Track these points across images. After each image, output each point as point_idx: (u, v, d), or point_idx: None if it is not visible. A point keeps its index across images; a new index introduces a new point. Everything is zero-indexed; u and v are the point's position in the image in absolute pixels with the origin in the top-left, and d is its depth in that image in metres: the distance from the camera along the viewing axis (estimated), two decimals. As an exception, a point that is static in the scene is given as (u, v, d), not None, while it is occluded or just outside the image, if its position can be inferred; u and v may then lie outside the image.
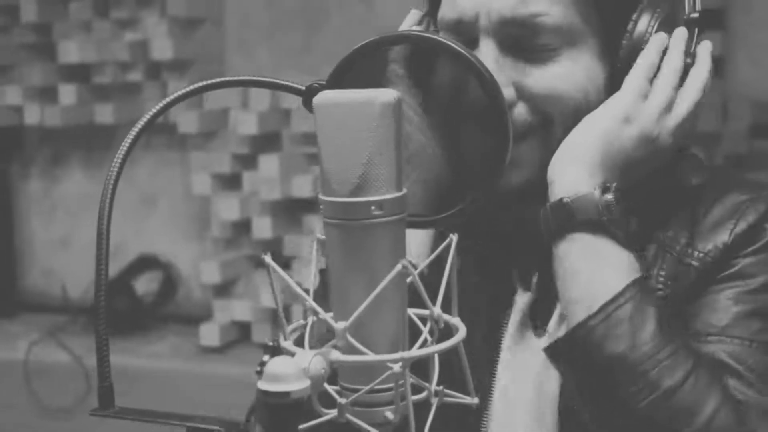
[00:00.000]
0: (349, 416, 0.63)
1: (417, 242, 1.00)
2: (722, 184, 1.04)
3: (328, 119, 0.63)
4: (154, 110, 0.75)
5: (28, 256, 3.48)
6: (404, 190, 0.64)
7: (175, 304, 3.27)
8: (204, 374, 2.88)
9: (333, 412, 0.64)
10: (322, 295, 0.68)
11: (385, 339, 0.64)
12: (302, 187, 2.94)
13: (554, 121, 0.99)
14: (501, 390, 1.04)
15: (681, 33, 1.00)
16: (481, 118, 0.95)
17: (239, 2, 3.18)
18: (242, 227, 3.06)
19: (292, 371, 0.59)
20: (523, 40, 0.97)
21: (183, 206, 3.27)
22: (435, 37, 0.80)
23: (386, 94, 0.62)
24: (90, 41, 3.18)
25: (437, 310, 0.66)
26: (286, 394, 0.58)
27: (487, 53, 0.97)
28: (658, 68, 0.98)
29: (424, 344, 0.65)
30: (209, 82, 0.79)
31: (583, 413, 0.94)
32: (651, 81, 0.98)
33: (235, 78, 0.80)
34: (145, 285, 3.24)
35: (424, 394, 0.66)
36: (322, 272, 0.87)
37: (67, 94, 3.21)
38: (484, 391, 1.03)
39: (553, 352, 0.95)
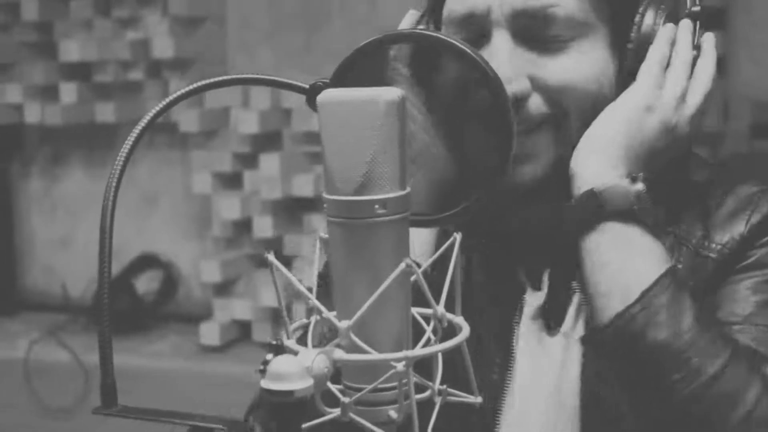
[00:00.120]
0: (352, 415, 0.63)
1: (420, 241, 0.99)
2: (729, 179, 1.05)
3: (331, 117, 0.63)
4: (157, 108, 0.75)
5: (29, 255, 3.48)
6: (408, 189, 0.64)
7: (175, 303, 3.27)
8: (204, 373, 2.88)
9: (336, 411, 0.64)
10: (324, 293, 0.68)
11: (389, 338, 0.64)
12: (303, 186, 2.94)
13: (570, 113, 0.99)
14: (516, 390, 1.04)
15: (687, 24, 1.01)
16: (485, 117, 0.94)
17: (241, 1, 3.17)
18: (243, 226, 3.06)
19: (295, 370, 0.58)
20: (536, 32, 0.97)
21: (184, 205, 3.27)
22: (438, 35, 0.79)
23: (390, 93, 0.62)
24: (91, 40, 3.17)
25: (441, 309, 0.65)
26: (290, 392, 0.58)
27: (502, 45, 0.97)
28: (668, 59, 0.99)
29: (427, 343, 0.65)
30: (212, 80, 0.78)
31: (618, 405, 0.94)
32: (664, 71, 0.98)
33: (238, 76, 0.79)
34: (146, 284, 3.24)
35: (427, 393, 0.66)
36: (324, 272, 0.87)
37: (68, 92, 3.21)
38: (497, 391, 1.03)
39: (592, 342, 0.94)
